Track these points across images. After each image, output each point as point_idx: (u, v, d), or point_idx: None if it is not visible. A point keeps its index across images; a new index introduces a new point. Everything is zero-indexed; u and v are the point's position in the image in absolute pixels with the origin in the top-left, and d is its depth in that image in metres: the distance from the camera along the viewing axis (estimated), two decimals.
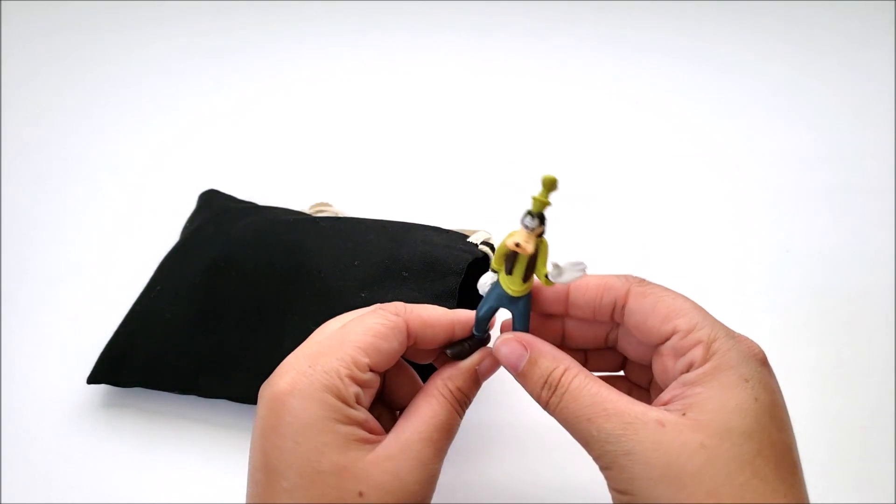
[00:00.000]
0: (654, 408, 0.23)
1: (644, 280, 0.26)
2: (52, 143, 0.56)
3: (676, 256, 0.45)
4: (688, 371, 0.23)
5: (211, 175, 0.50)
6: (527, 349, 0.25)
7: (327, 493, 0.22)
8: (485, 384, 0.39)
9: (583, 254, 0.43)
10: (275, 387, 0.24)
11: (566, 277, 0.24)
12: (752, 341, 0.25)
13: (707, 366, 0.23)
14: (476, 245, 0.37)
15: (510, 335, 0.26)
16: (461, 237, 0.38)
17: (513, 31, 0.66)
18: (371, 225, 0.38)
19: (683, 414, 0.22)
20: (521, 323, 0.27)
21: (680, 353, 0.24)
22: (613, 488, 0.23)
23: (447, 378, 0.26)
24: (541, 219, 0.24)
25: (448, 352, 0.27)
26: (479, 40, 0.65)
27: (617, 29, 0.66)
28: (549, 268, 0.24)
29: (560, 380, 0.24)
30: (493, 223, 0.47)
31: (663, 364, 0.25)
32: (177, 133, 0.56)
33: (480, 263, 0.38)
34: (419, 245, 0.35)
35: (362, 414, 0.24)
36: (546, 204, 0.24)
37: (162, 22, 0.68)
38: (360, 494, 0.22)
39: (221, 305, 0.36)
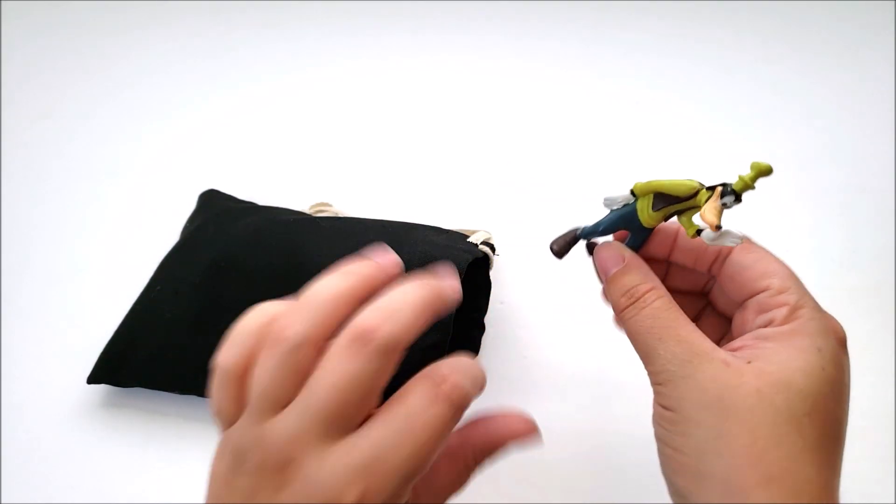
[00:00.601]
0: (723, 350, 0.24)
1: (750, 239, 0.27)
2: (52, 143, 0.56)
3: None
4: (766, 327, 0.24)
5: (211, 175, 0.50)
6: (624, 260, 0.26)
7: None
8: (487, 383, 0.38)
9: (582, 256, 0.43)
10: (340, 497, 0.20)
11: (721, 242, 0.25)
12: (837, 321, 0.25)
13: (786, 327, 0.24)
14: (476, 245, 0.37)
15: (615, 244, 0.27)
16: (461, 237, 0.38)
17: (513, 31, 0.66)
18: (371, 225, 0.38)
19: (749, 362, 0.23)
20: (635, 245, 0.28)
21: (764, 310, 0.25)
22: (659, 403, 0.24)
23: (478, 450, 0.25)
24: (738, 198, 0.24)
25: (552, 246, 0.29)
26: (479, 40, 0.65)
27: (617, 29, 0.66)
28: (708, 228, 0.24)
29: (644, 295, 0.25)
30: (492, 223, 0.47)
31: (744, 317, 0.25)
32: (176, 133, 0.56)
33: (481, 263, 0.38)
34: (419, 245, 0.35)
35: None
36: (750, 187, 0.24)
37: (162, 22, 0.68)
38: None
39: (221, 305, 0.36)
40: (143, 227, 0.48)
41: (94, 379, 0.37)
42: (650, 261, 0.28)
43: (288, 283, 0.35)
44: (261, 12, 0.69)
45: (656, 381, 0.25)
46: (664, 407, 0.24)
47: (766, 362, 0.23)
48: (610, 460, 0.36)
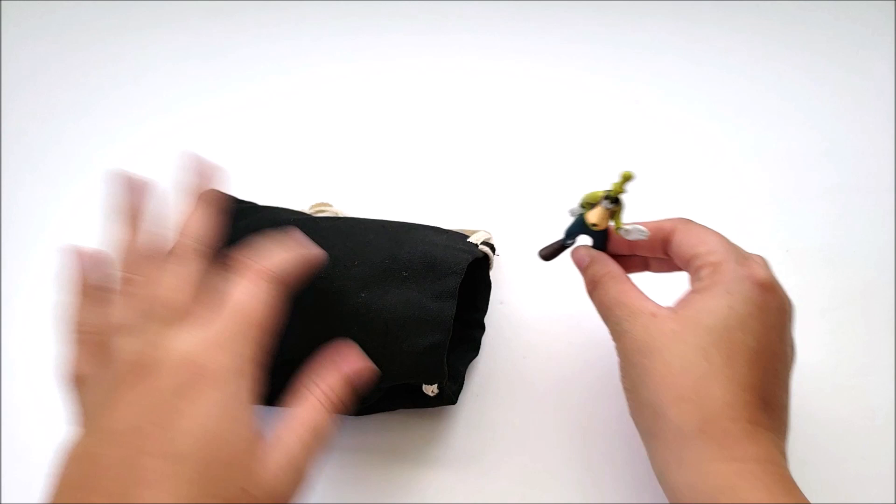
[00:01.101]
0: (656, 304, 0.30)
1: (689, 220, 0.33)
2: (51, 143, 0.56)
3: None
4: (696, 283, 0.30)
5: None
6: (589, 258, 0.34)
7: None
8: (485, 384, 0.39)
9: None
10: (181, 369, 0.25)
11: (632, 236, 0.32)
12: (758, 268, 0.30)
13: (707, 280, 0.30)
14: (476, 245, 0.37)
15: (584, 246, 0.35)
16: (461, 237, 0.38)
17: (513, 31, 0.66)
18: (371, 225, 0.38)
19: (674, 311, 0.30)
20: (598, 246, 0.35)
21: (696, 271, 0.31)
22: (617, 352, 0.31)
23: (326, 387, 0.28)
24: (616, 201, 0.31)
25: (540, 252, 0.36)
26: (479, 40, 0.65)
27: (617, 28, 0.66)
28: (625, 226, 0.32)
29: (601, 279, 0.33)
30: (493, 222, 0.47)
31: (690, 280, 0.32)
32: (176, 133, 0.56)
33: (481, 263, 0.38)
34: (419, 245, 0.35)
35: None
36: (620, 192, 0.31)
37: (161, 22, 0.68)
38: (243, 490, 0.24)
39: None
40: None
41: None
42: (629, 258, 0.35)
43: None
44: (260, 12, 0.69)
45: (613, 338, 0.31)
46: (619, 359, 0.31)
47: (685, 308, 0.29)
48: (610, 460, 0.36)
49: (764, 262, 0.31)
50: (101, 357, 0.27)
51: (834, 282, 0.44)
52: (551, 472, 0.35)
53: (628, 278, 0.33)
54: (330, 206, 0.46)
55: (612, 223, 0.32)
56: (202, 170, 0.34)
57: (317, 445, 0.27)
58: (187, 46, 0.65)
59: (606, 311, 0.32)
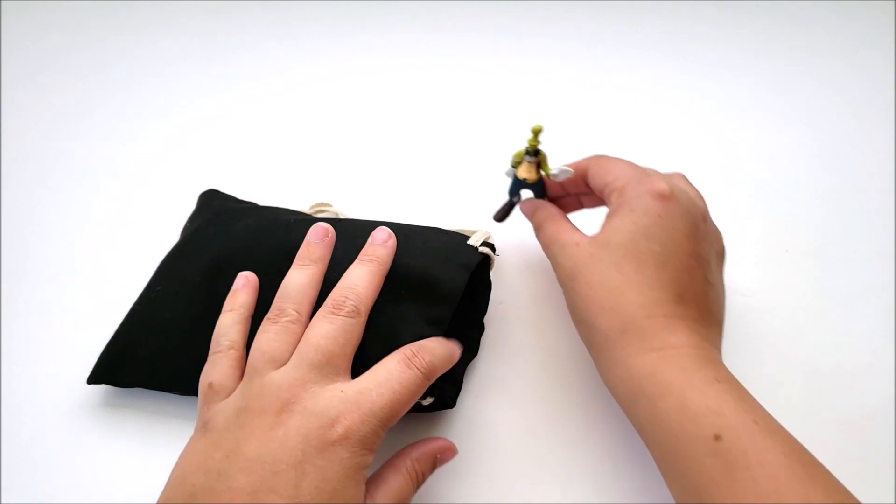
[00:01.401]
0: (582, 235, 0.34)
1: (603, 155, 0.37)
2: (51, 143, 0.56)
3: None
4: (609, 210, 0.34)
5: (211, 175, 0.50)
6: (533, 206, 0.39)
7: None
8: (485, 384, 0.38)
9: None
10: (324, 425, 0.27)
11: (560, 177, 0.38)
12: (658, 181, 0.33)
13: (615, 204, 0.34)
14: (475, 249, 0.37)
15: (529, 199, 0.40)
16: (462, 239, 0.37)
17: (513, 31, 0.66)
18: (370, 228, 0.38)
19: (593, 238, 0.34)
20: (539, 195, 0.41)
21: (607, 198, 0.35)
22: (558, 282, 0.35)
23: (416, 461, 0.31)
24: (535, 153, 0.37)
25: (494, 216, 0.43)
26: (480, 40, 0.65)
27: (616, 28, 0.66)
28: (552, 171, 0.38)
29: (542, 222, 0.38)
30: (492, 222, 0.47)
31: None
32: (176, 133, 0.56)
33: (481, 263, 0.37)
34: (419, 256, 0.35)
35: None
36: (535, 144, 0.37)
37: (161, 22, 0.68)
38: None
39: (220, 306, 0.36)
40: (143, 227, 0.48)
41: (94, 379, 0.37)
42: (564, 199, 0.41)
43: None
44: (261, 12, 0.69)
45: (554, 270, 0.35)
46: (562, 290, 0.35)
47: (600, 233, 0.33)
48: (610, 460, 0.36)
49: (663, 176, 0.34)
50: (241, 374, 0.30)
51: (833, 282, 0.44)
52: (551, 473, 0.35)
53: (564, 217, 0.37)
54: (330, 206, 0.46)
55: (543, 173, 0.38)
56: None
57: None
58: (187, 46, 0.65)
59: (546, 249, 0.36)
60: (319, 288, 0.33)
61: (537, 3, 0.68)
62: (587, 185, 0.37)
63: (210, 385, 0.30)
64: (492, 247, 0.38)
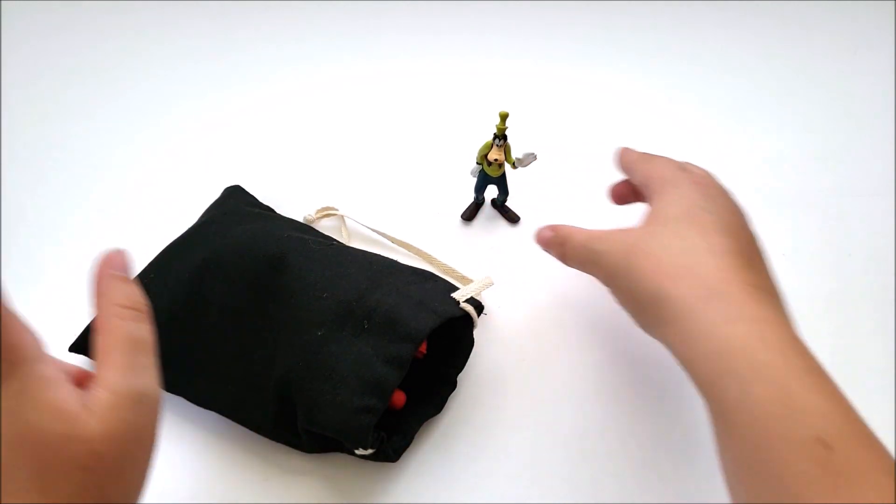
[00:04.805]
0: (625, 227, 0.33)
1: (644, 152, 0.38)
2: (52, 143, 0.56)
3: None
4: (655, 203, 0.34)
5: (212, 177, 0.50)
6: (553, 230, 0.37)
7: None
8: (483, 387, 0.38)
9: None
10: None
11: (526, 163, 0.43)
12: (696, 169, 0.35)
13: (658, 190, 0.34)
14: (457, 303, 0.35)
15: (547, 227, 0.37)
16: (446, 291, 0.36)
17: (515, 32, 0.66)
18: (358, 258, 0.37)
19: (640, 222, 0.33)
20: (502, 191, 0.46)
21: (650, 193, 0.35)
22: (605, 281, 0.34)
23: (110, 304, 0.25)
24: (503, 138, 0.42)
25: (462, 216, 0.46)
26: (484, 42, 0.65)
27: (616, 30, 0.66)
28: (516, 156, 0.43)
29: (568, 235, 0.36)
30: (493, 223, 0.47)
31: None
32: (179, 134, 0.56)
33: (464, 320, 0.36)
34: (393, 293, 0.34)
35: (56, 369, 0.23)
36: (503, 129, 0.41)
37: (162, 24, 0.68)
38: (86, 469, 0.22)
39: (200, 305, 0.36)
40: (143, 227, 0.48)
41: (75, 348, 0.37)
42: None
43: (265, 299, 0.35)
44: (266, 13, 0.69)
45: (601, 279, 0.34)
46: (609, 286, 0.34)
47: (648, 215, 0.33)
48: (610, 460, 0.36)
49: (700, 167, 0.35)
50: None
51: (833, 284, 0.44)
52: (550, 473, 0.35)
53: (587, 229, 0.36)
54: (336, 210, 0.47)
55: (507, 164, 0.42)
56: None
57: (138, 358, 0.24)
58: (193, 48, 0.65)
59: (583, 259, 0.34)
60: None
61: (540, 4, 0.68)
62: (627, 192, 0.39)
63: None
64: (479, 306, 0.36)
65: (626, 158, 0.38)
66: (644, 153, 0.38)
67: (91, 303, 0.25)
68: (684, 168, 0.35)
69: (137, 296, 0.26)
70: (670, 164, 0.35)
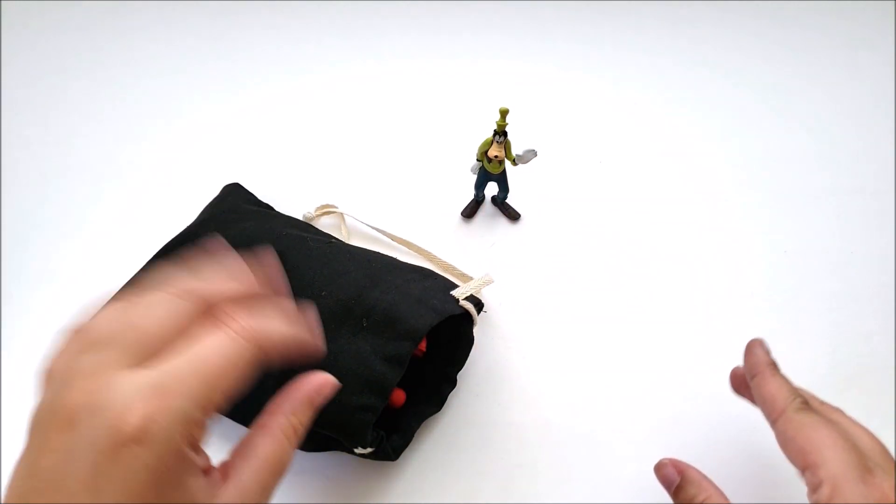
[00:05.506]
0: None
1: (805, 404, 0.29)
2: (52, 143, 0.56)
3: (675, 258, 0.46)
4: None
5: (213, 177, 0.49)
6: (679, 474, 0.30)
7: None
8: (483, 384, 0.38)
9: (583, 257, 0.43)
10: (113, 424, 0.19)
11: (526, 159, 0.43)
12: (888, 486, 0.26)
13: (825, 501, 0.26)
14: (456, 301, 0.35)
15: (668, 461, 0.31)
16: (446, 288, 0.36)
17: (516, 33, 0.66)
18: (357, 256, 0.37)
19: None
20: (503, 188, 0.46)
21: (812, 487, 0.27)
22: None
23: (291, 414, 0.25)
24: (504, 135, 0.41)
25: (462, 213, 0.47)
26: (483, 42, 0.65)
27: (616, 31, 0.66)
28: (516, 153, 0.42)
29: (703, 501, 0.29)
30: (494, 223, 0.47)
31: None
32: (179, 134, 0.56)
33: (464, 318, 0.35)
34: (392, 291, 0.34)
35: (203, 458, 0.22)
36: (504, 126, 0.41)
37: (163, 24, 0.68)
38: None
39: None
40: (143, 228, 0.48)
41: None
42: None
43: None
44: (267, 13, 0.69)
45: None
46: None
47: None
48: (609, 460, 0.36)
49: (890, 475, 0.26)
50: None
51: (833, 283, 0.44)
52: (550, 471, 0.35)
53: (719, 491, 0.30)
54: (335, 208, 0.47)
55: (508, 162, 0.42)
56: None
57: (274, 481, 0.23)
58: (189, 46, 0.65)
59: None
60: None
61: (540, 4, 0.68)
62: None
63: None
64: (479, 304, 0.36)
65: (775, 411, 0.30)
66: (802, 411, 0.29)
67: (279, 405, 0.25)
68: (869, 476, 0.27)
69: (305, 428, 0.25)
70: (845, 461, 0.27)
